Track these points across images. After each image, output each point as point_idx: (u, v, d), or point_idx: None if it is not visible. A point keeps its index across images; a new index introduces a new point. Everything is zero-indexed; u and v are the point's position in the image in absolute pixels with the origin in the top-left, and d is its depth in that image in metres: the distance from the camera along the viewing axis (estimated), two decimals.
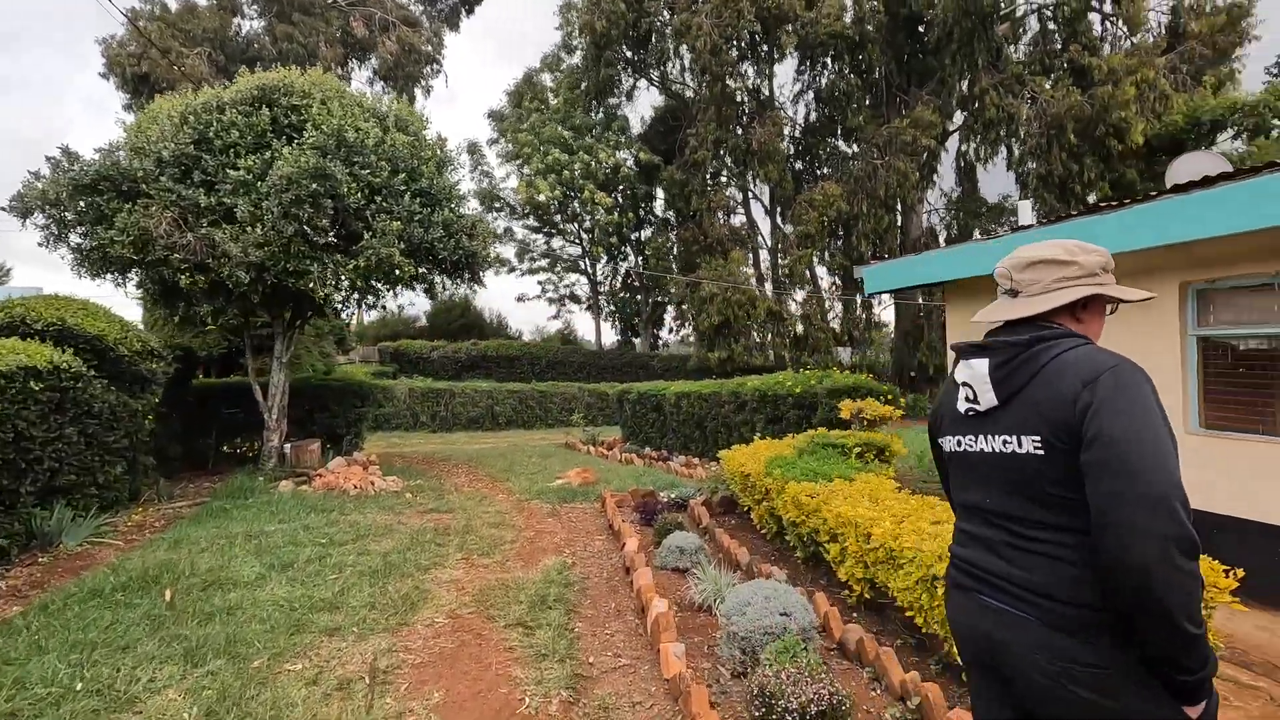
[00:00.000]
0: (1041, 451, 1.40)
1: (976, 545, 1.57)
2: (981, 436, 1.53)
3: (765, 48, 24.75)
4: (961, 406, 1.59)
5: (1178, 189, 4.33)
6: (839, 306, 26.41)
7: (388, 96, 9.68)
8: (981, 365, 1.53)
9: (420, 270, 8.93)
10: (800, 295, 25.03)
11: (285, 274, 7.99)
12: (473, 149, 30.60)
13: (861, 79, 24.22)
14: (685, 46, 23.98)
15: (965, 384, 1.57)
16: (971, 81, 21.71)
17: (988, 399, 1.52)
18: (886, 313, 32.16)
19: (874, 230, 22.38)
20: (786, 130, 26.22)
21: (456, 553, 5.74)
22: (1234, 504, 4.53)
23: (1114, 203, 4.79)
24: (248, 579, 4.83)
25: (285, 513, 7.03)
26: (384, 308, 10.54)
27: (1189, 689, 1.30)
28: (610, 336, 33.92)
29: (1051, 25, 22.35)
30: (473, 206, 21.23)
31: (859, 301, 26.41)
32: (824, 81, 25.64)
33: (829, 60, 25.11)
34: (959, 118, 23.86)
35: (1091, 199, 19.49)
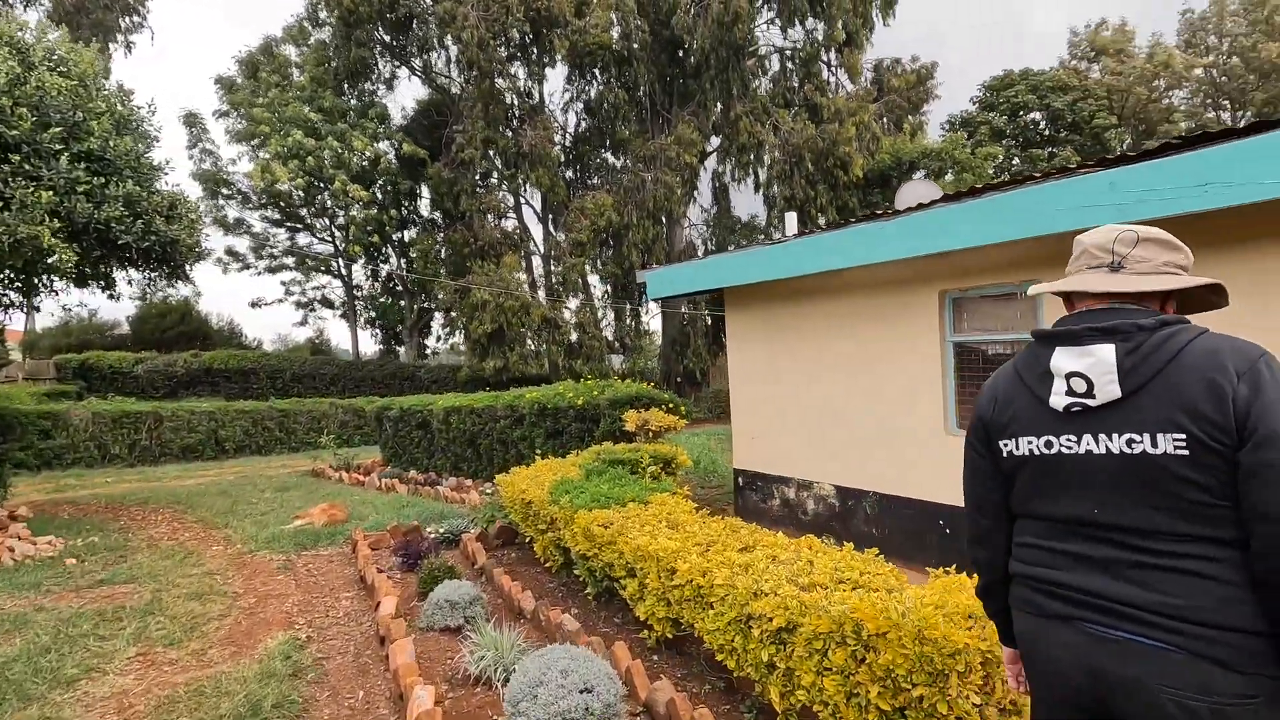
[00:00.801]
0: (1186, 452, 1.19)
1: (1079, 566, 1.30)
2: (1091, 436, 1.29)
3: (536, 50, 24.27)
4: (1059, 401, 1.33)
5: (948, 198, 4.50)
6: (611, 314, 26.80)
7: (54, 34, 7.20)
8: (1107, 351, 1.26)
9: (91, 259, 6.73)
10: (574, 303, 24.90)
11: None
12: (191, 121, 25.72)
13: (629, 94, 24.86)
14: (451, 38, 22.59)
15: (1075, 374, 1.30)
16: (727, 107, 23.37)
17: (1108, 391, 1.27)
18: (654, 321, 33.45)
19: (643, 241, 23.01)
20: (558, 138, 26.01)
21: (130, 646, 4.15)
22: None
23: (890, 211, 4.93)
24: None
25: None
26: (65, 309, 7.88)
27: None
28: (370, 345, 30.77)
29: (790, 65, 24.95)
30: (187, 188, 17.58)
31: (629, 310, 27.04)
32: (593, 92, 25.90)
33: (598, 72, 25.42)
34: (715, 141, 25.59)
35: (822, 222, 22.05)
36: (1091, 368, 1.29)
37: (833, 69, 25.35)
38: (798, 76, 24.73)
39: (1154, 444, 1.22)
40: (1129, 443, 1.25)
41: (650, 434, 7.09)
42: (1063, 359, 1.33)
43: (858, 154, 22.04)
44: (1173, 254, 1.38)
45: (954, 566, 2.91)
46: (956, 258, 4.88)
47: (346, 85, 25.28)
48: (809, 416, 6.24)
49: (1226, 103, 28.18)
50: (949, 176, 21.74)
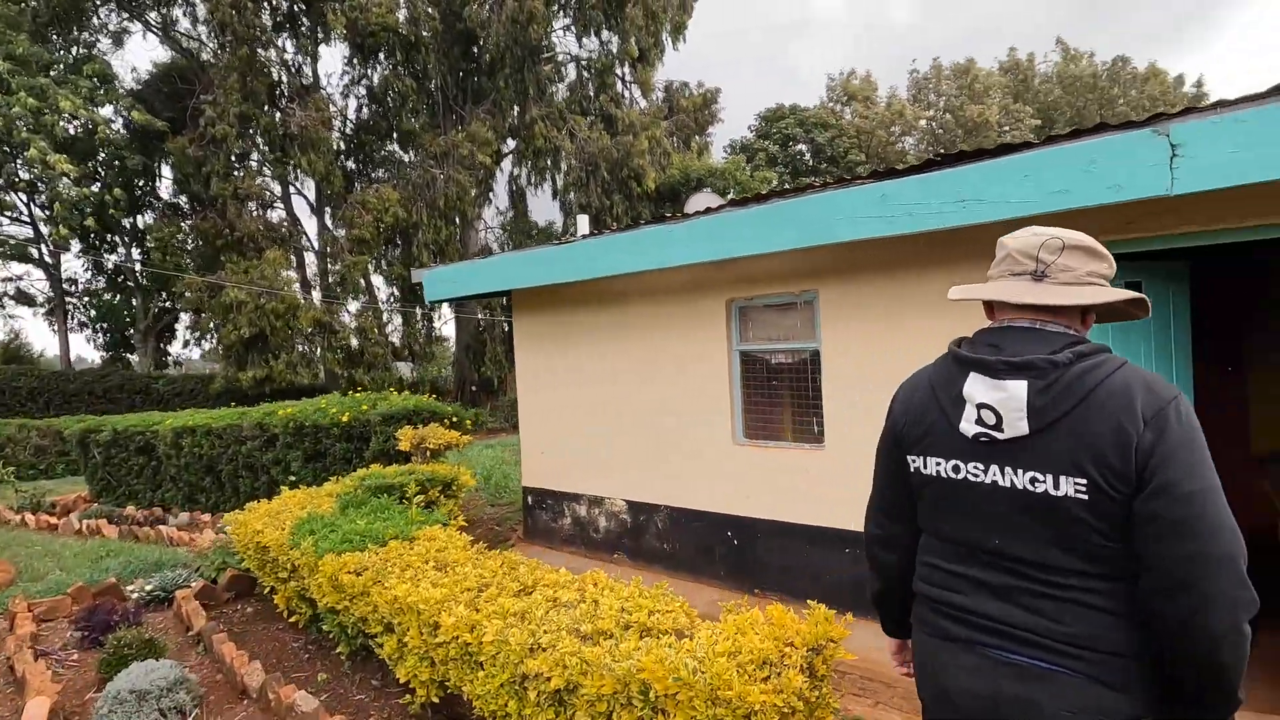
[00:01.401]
0: (1086, 497, 1.20)
1: (978, 591, 1.33)
2: (997, 467, 1.28)
3: (308, 22, 21.75)
4: (969, 429, 1.31)
5: (734, 203, 4.42)
6: (399, 319, 24.86)
7: None
8: (1019, 388, 1.24)
9: None
10: (355, 305, 22.65)
11: None
12: None
13: (418, 83, 23.28)
14: None
15: (986, 405, 1.28)
16: (523, 109, 22.84)
17: (1016, 427, 1.25)
18: (448, 326, 31.76)
19: (435, 241, 21.62)
20: (337, 123, 23.59)
21: None
22: (774, 509, 4.86)
23: (679, 215, 4.76)
24: None
25: None
26: None
27: None
28: (91, 352, 25.31)
29: (587, 75, 25.09)
30: None
31: (420, 314, 25.31)
32: (378, 78, 23.88)
33: (383, 56, 23.50)
34: (512, 143, 24.92)
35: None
36: (1002, 402, 1.26)
37: (627, 83, 25.96)
38: (593, 86, 24.93)
39: (1056, 486, 1.22)
40: (1032, 481, 1.24)
41: (428, 453, 6.31)
42: (976, 387, 1.30)
43: (651, 167, 22.73)
44: (1096, 263, 1.34)
45: (743, 600, 2.67)
46: (742, 266, 4.85)
47: (54, 33, 20.60)
48: (601, 428, 5.93)
49: (943, 151, 33.77)
50: (731, 194, 23.35)
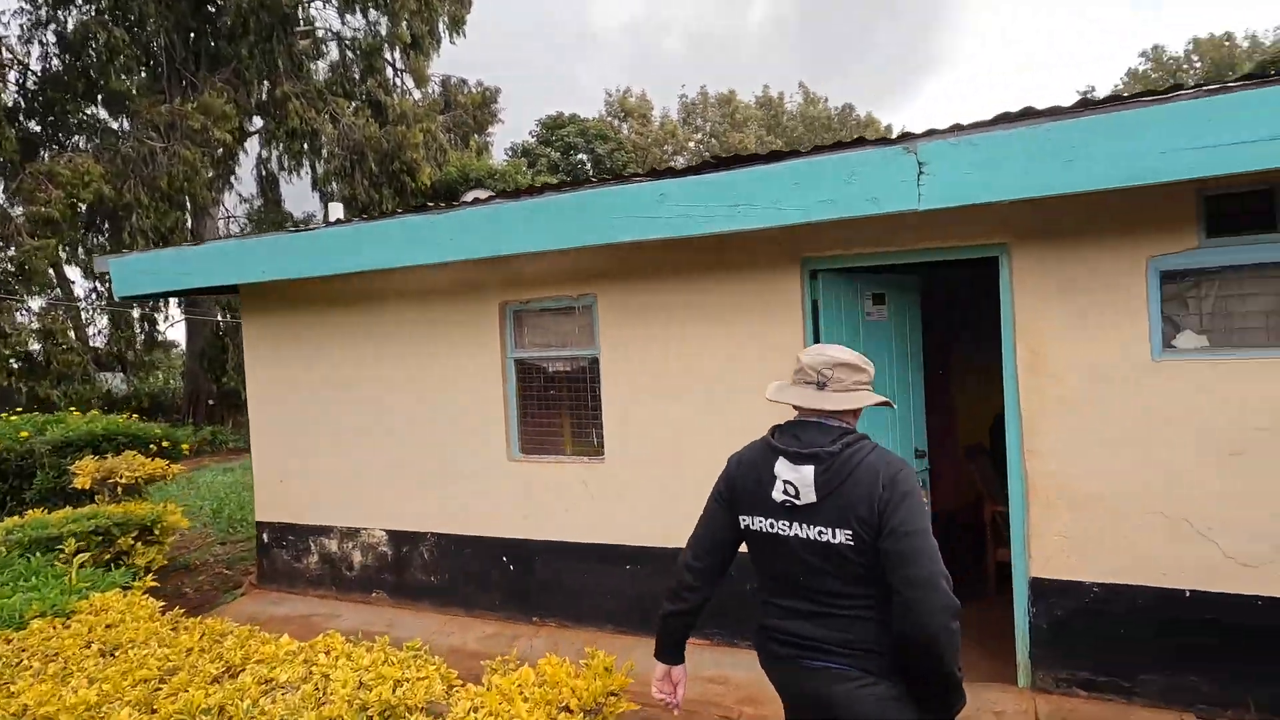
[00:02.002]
0: (852, 543, 1.69)
1: (793, 617, 1.82)
2: (797, 524, 1.78)
3: None
4: (779, 497, 1.80)
5: (505, 194, 4.00)
6: (106, 320, 20.46)
7: None
8: (808, 471, 1.76)
9: None
10: (38, 302, 18.14)
11: None
12: None
13: (132, 36, 19.37)
14: None
15: (789, 482, 1.78)
16: (274, 84, 20.12)
17: (808, 496, 1.75)
18: (177, 329, 27.09)
19: (156, 227, 18.03)
20: (13, 74, 18.78)
21: None
22: (553, 528, 4.52)
23: (444, 205, 4.21)
24: None
25: None
26: None
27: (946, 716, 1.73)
28: None
29: (352, 55, 22.89)
30: None
31: (137, 314, 21.11)
32: (73, 22, 19.45)
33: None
34: (260, 121, 21.85)
35: None
36: (798, 479, 1.76)
37: (399, 71, 24.19)
38: (359, 68, 22.82)
39: (833, 536, 1.71)
40: (819, 533, 1.73)
41: (120, 490, 4.97)
42: (782, 468, 1.80)
43: (426, 162, 21.33)
44: (859, 374, 1.86)
45: (521, 632, 2.27)
46: (516, 266, 4.46)
47: None
48: (356, 448, 5.13)
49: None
50: None
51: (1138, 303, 3.18)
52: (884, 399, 1.89)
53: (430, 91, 24.31)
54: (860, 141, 3.09)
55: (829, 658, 1.72)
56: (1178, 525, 3.17)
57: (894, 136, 2.95)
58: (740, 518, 1.89)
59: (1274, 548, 3.01)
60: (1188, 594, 3.15)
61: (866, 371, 1.87)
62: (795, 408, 1.90)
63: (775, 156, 3.18)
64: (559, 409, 4.63)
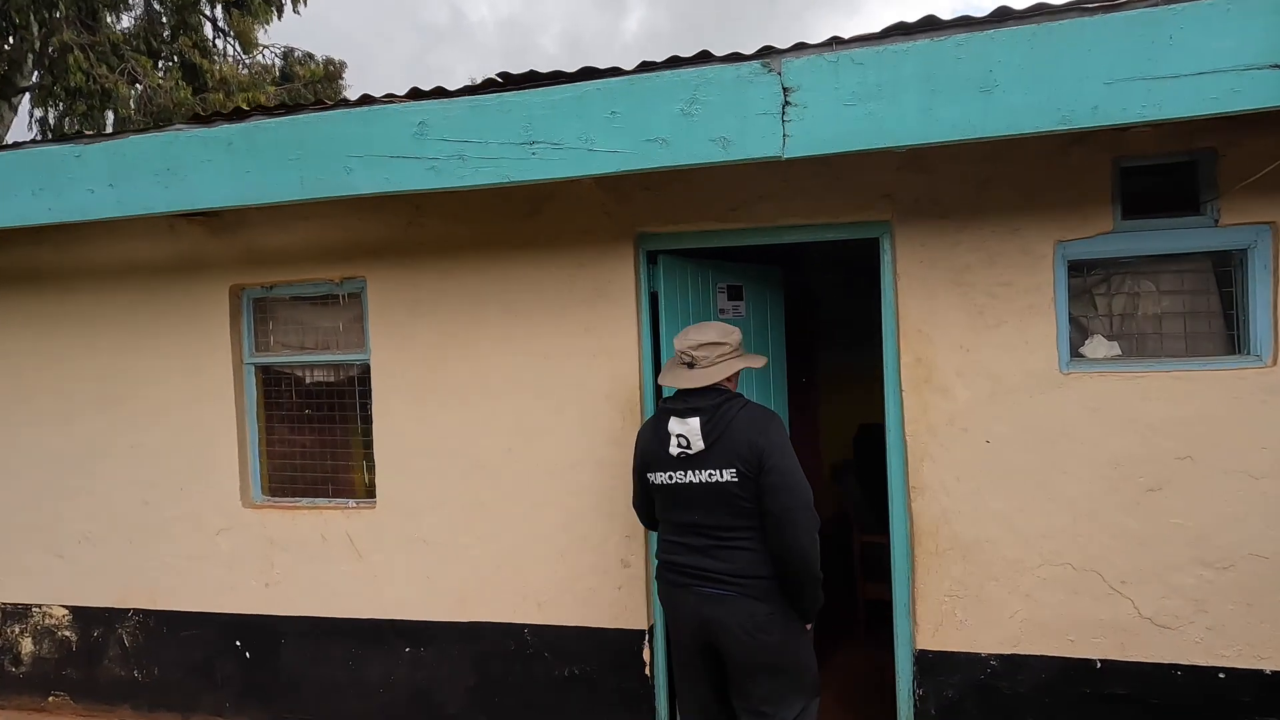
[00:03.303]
0: (736, 480, 2.07)
1: (689, 552, 2.16)
2: (692, 472, 2.12)
3: None
4: (674, 451, 2.15)
5: (196, 119, 2.72)
6: None
7: None
8: (695, 422, 2.12)
9: None
10: None
11: None
12: None
13: None
14: None
15: (680, 435, 2.14)
16: (49, 32, 16.72)
17: (698, 445, 2.11)
18: None
19: None
20: None
21: None
22: (307, 599, 3.28)
23: (95, 134, 2.87)
24: None
25: None
26: None
27: (811, 614, 2.17)
28: None
29: (160, 8, 19.70)
30: None
31: None
32: None
33: None
34: (36, 76, 18.17)
35: None
36: (688, 431, 2.14)
37: (223, 33, 21.18)
38: (170, 25, 19.67)
39: (721, 475, 2.09)
40: (710, 476, 2.11)
41: None
42: (674, 425, 2.17)
43: None
44: (721, 348, 2.21)
45: None
46: (253, 235, 3.21)
47: None
48: (21, 494, 3.60)
49: None
50: None
51: (1044, 300, 2.51)
52: (749, 362, 2.27)
53: (266, 59, 21.49)
54: (704, 56, 2.18)
55: (720, 585, 2.09)
56: (1087, 578, 2.53)
57: (751, 52, 2.08)
58: (649, 475, 2.24)
59: (1194, 604, 2.45)
60: (1099, 664, 2.52)
61: (728, 343, 2.21)
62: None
63: (589, 74, 2.21)
64: (319, 435, 3.40)
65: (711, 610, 2.08)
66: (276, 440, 3.43)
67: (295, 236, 3.21)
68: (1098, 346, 2.57)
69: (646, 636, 2.94)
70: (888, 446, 2.78)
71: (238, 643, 3.37)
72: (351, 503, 3.28)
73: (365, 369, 3.25)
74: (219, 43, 21.00)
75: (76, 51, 16.48)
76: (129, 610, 3.51)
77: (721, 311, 3.29)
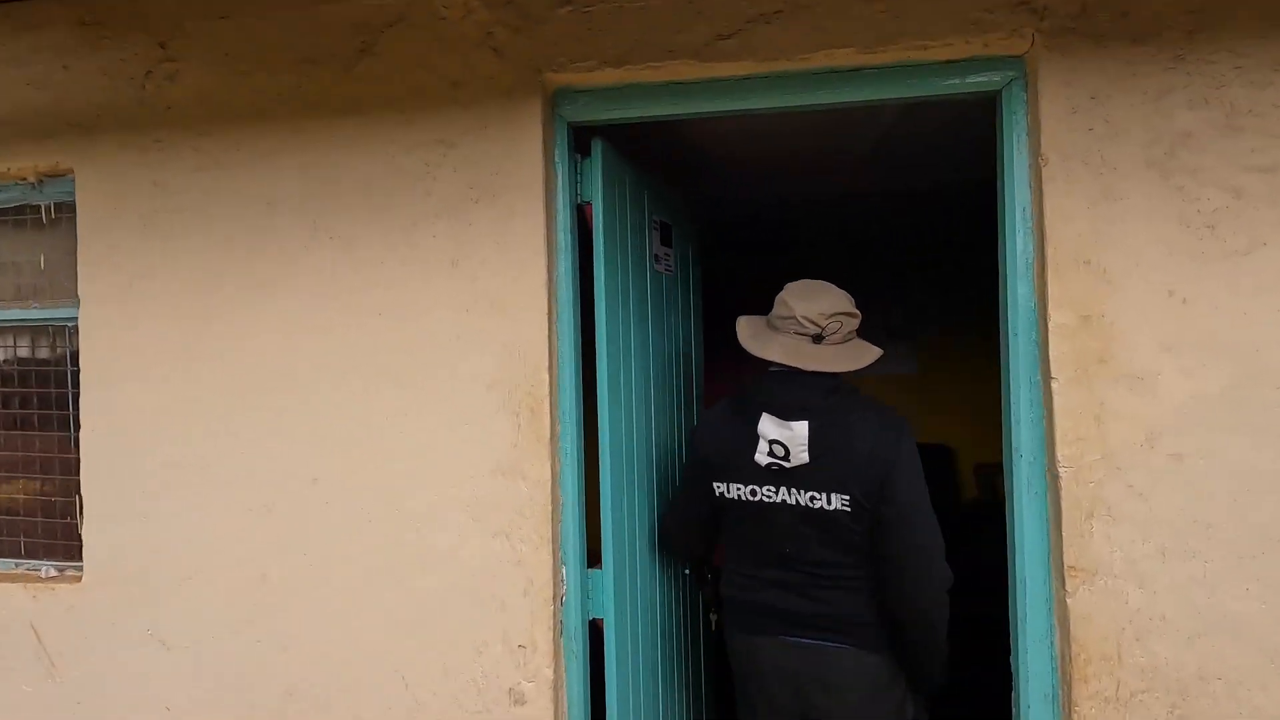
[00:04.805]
0: (849, 510, 1.54)
1: (772, 589, 1.66)
2: (785, 489, 1.60)
3: None
4: (763, 460, 1.61)
5: None
6: None
7: None
8: (802, 428, 1.56)
9: None
10: None
11: None
12: None
13: None
14: None
15: (776, 441, 1.58)
16: None
17: (800, 458, 1.56)
18: None
19: None
20: None
21: None
22: None
23: None
24: None
25: None
26: None
27: (936, 684, 1.67)
28: None
29: None
30: None
31: None
32: None
33: None
34: None
35: None
36: (789, 439, 1.56)
37: None
38: None
39: (829, 502, 1.56)
40: (811, 499, 1.58)
41: None
42: (768, 426, 1.58)
43: None
44: (854, 318, 1.64)
45: None
46: None
47: None
48: None
49: None
50: None
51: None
52: (876, 352, 1.70)
53: None
54: None
55: (819, 634, 1.63)
56: None
57: None
58: (715, 484, 1.72)
59: None
60: None
61: (858, 317, 1.68)
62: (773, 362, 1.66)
63: None
64: (8, 448, 1.99)
65: (810, 665, 1.64)
66: None
67: None
68: None
69: None
70: (1011, 488, 1.48)
71: None
72: (41, 572, 1.87)
73: (70, 335, 1.86)
74: None
75: None
76: None
77: (655, 260, 2.02)
